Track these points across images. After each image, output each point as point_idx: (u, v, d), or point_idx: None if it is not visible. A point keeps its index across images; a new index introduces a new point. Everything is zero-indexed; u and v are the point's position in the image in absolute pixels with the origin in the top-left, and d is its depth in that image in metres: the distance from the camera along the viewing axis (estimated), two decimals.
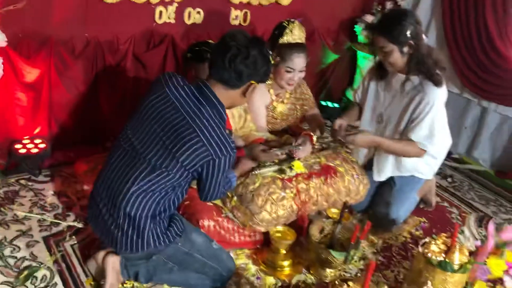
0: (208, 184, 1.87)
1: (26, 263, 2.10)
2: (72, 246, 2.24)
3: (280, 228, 2.32)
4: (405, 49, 2.27)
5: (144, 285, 2.06)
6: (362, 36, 3.83)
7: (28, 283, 2.00)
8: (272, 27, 2.62)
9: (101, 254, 1.99)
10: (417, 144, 2.39)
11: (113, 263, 1.96)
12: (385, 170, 2.61)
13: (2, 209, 2.39)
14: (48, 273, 2.07)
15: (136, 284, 2.06)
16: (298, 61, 2.48)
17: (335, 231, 2.28)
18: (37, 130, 2.72)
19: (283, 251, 2.28)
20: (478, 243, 2.22)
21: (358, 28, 3.83)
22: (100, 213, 1.92)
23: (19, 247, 2.18)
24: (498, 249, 2.19)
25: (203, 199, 1.97)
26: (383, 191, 2.68)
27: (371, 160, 2.68)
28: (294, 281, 2.24)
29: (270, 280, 2.21)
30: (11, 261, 2.10)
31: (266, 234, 2.32)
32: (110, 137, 2.94)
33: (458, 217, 2.95)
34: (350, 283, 1.70)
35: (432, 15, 3.70)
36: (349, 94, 4.09)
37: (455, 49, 3.52)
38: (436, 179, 3.23)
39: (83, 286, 2.04)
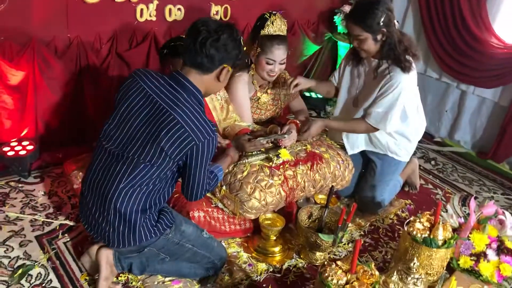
0: (192, 176, 1.87)
1: (20, 262, 2.13)
2: (65, 243, 2.27)
3: (269, 215, 2.37)
4: (379, 36, 2.34)
5: (138, 276, 2.09)
6: (341, 27, 3.88)
7: (23, 281, 2.03)
8: (253, 21, 2.66)
9: (94, 248, 2.02)
10: (366, 121, 2.49)
11: (106, 256, 1.99)
12: (357, 143, 2.70)
13: None
14: (42, 271, 2.10)
15: (130, 276, 2.09)
16: (279, 53, 2.53)
17: (322, 215, 2.34)
18: (24, 132, 2.73)
19: (273, 238, 2.34)
20: (461, 220, 2.29)
21: (338, 18, 3.88)
22: (90, 212, 1.94)
23: (12, 247, 2.20)
24: (480, 224, 2.27)
25: (189, 198, 1.96)
26: (367, 176, 2.77)
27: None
28: (285, 266, 2.29)
29: (262, 266, 2.26)
30: (5, 261, 2.12)
31: (256, 222, 2.37)
32: (98, 136, 2.95)
33: (443, 198, 3.02)
34: (339, 262, 1.76)
35: (409, 2, 3.77)
36: None
37: (432, 35, 3.59)
38: (420, 162, 3.33)
39: (78, 281, 2.07)
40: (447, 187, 3.18)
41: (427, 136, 3.82)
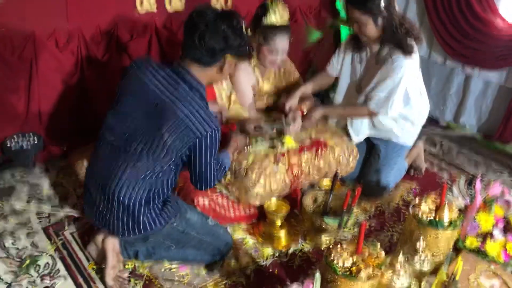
0: (199, 168, 1.86)
1: (28, 252, 2.15)
2: (72, 233, 2.29)
3: (274, 201, 2.37)
4: (379, 20, 2.31)
5: (145, 264, 2.11)
6: (344, 12, 3.85)
7: (32, 271, 2.05)
8: (254, 8, 2.63)
9: (100, 237, 2.04)
10: (367, 105, 2.47)
11: (113, 245, 2.00)
12: (362, 130, 2.68)
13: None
14: (50, 261, 2.12)
15: (137, 263, 2.11)
16: (281, 42, 2.50)
17: (327, 200, 2.34)
18: (28, 125, 2.74)
19: (279, 223, 2.34)
20: (467, 201, 2.28)
21: (339, 4, 3.85)
22: (94, 203, 1.94)
23: (19, 238, 2.22)
24: (486, 205, 2.25)
25: (199, 188, 1.95)
26: (372, 161, 2.76)
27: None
28: (291, 250, 2.29)
29: (268, 251, 2.27)
30: (13, 252, 2.14)
31: (261, 208, 2.37)
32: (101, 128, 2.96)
33: (449, 181, 3.01)
34: (344, 245, 1.76)
35: None
36: None
37: (436, 18, 3.55)
38: (425, 146, 3.30)
39: (86, 270, 2.09)
40: (453, 170, 3.17)
41: (432, 120, 3.79)
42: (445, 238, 2.03)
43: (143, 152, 1.80)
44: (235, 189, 2.28)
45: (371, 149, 2.78)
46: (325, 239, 2.32)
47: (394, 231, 2.50)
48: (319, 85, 2.77)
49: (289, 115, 2.51)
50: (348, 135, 2.71)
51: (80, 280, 2.04)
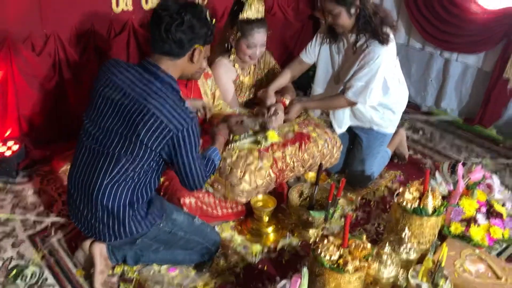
0: (183, 166, 1.83)
1: (14, 262, 2.13)
2: (58, 240, 2.27)
3: (260, 196, 2.37)
4: (352, 10, 2.32)
5: (134, 267, 2.10)
6: None
7: (18, 281, 2.03)
8: (231, 4, 2.62)
9: (87, 243, 2.02)
10: (345, 95, 2.48)
11: (100, 250, 1.99)
12: (343, 121, 2.69)
13: None
14: (37, 270, 2.10)
15: (125, 267, 2.10)
16: (259, 37, 2.52)
17: (313, 193, 2.35)
18: (8, 132, 2.70)
19: (266, 219, 2.35)
20: (451, 187, 2.32)
21: None
22: (78, 209, 1.93)
23: (5, 249, 2.20)
24: (469, 190, 2.29)
25: (190, 188, 1.93)
26: (355, 151, 2.78)
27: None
28: (279, 246, 2.31)
29: (257, 247, 2.28)
30: None
31: (248, 204, 2.38)
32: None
33: (432, 167, 3.04)
34: (331, 238, 1.77)
35: None
36: None
37: (413, 5, 3.56)
38: (408, 133, 3.34)
39: (74, 277, 2.07)
40: (436, 155, 3.20)
41: (414, 106, 3.82)
42: (430, 225, 2.06)
43: (121, 153, 1.79)
44: (221, 186, 2.28)
45: (354, 139, 2.80)
46: (312, 233, 2.33)
47: (381, 220, 2.52)
48: (294, 73, 2.75)
49: (271, 109, 2.51)
50: (330, 126, 2.72)
51: (69, 287, 2.03)
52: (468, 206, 2.20)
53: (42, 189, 2.62)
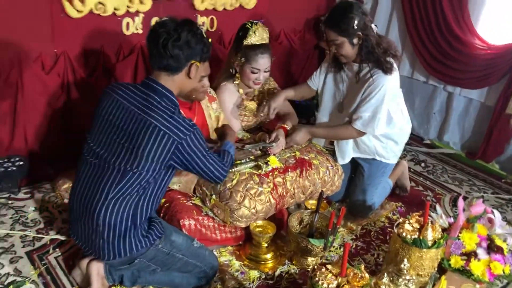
0: (199, 166, 1.90)
1: (11, 278, 2.12)
2: (56, 258, 2.26)
3: (260, 222, 2.37)
4: (355, 40, 2.36)
5: None
6: None
7: None
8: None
9: (85, 261, 2.02)
10: (353, 126, 2.50)
11: (97, 269, 1.98)
12: (347, 152, 2.71)
13: None
14: (33, 287, 2.09)
15: None
16: (263, 62, 2.56)
17: (313, 220, 2.35)
18: (13, 149, 2.73)
19: (265, 245, 2.34)
20: (451, 220, 2.31)
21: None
22: (79, 226, 1.94)
23: (2, 264, 2.19)
24: (470, 223, 2.28)
25: (216, 180, 2.02)
26: (356, 180, 2.78)
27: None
28: (277, 272, 2.29)
29: (254, 273, 2.26)
30: None
31: (247, 230, 2.37)
32: None
33: (433, 199, 3.04)
34: (329, 266, 1.77)
35: (393, 7, 3.81)
36: None
37: (417, 39, 3.63)
38: (410, 164, 3.35)
39: None
40: (437, 188, 3.20)
41: (417, 139, 3.84)
42: (429, 257, 2.05)
43: (127, 167, 1.82)
44: (220, 211, 2.28)
45: (356, 168, 2.81)
46: (311, 261, 2.32)
47: (380, 251, 2.51)
48: (301, 94, 2.80)
49: (272, 135, 2.53)
50: (333, 154, 2.74)
51: None
52: (469, 240, 2.19)
53: (43, 206, 2.63)
